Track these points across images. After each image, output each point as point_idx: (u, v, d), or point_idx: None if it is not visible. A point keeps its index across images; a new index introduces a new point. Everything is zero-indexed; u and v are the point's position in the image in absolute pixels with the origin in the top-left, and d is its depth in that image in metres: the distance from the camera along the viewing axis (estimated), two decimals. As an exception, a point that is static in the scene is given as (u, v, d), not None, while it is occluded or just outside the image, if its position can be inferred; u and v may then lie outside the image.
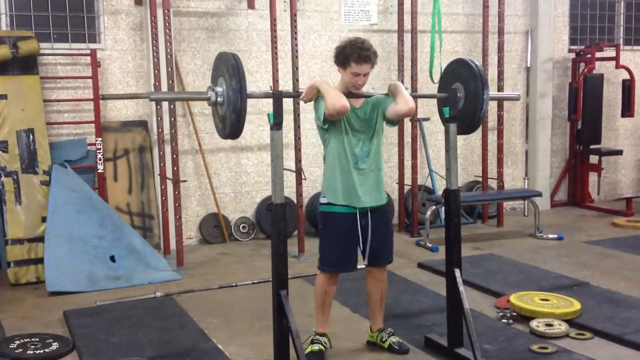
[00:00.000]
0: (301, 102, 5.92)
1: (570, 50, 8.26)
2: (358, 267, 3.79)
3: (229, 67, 3.04)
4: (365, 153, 3.61)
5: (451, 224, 3.72)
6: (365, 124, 3.62)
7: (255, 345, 3.97)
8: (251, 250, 6.38)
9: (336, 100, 3.37)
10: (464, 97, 3.69)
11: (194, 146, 6.55)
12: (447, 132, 3.71)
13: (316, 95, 3.54)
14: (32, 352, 3.86)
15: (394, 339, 3.85)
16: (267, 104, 6.72)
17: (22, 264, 5.34)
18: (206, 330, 4.21)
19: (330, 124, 3.56)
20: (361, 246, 3.68)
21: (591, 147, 8.05)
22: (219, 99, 3.11)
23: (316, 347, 3.72)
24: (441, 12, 6.85)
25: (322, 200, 3.71)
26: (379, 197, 3.70)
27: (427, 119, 7.26)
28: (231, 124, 3.08)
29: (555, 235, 6.65)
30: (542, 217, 6.99)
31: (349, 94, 3.51)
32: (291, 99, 5.86)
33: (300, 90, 5.79)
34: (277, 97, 3.20)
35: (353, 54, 3.49)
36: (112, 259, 5.40)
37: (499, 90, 7.19)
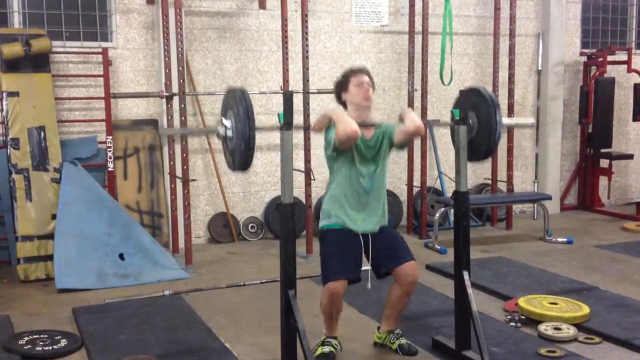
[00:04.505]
0: (312, 103, 5.97)
1: (581, 54, 8.23)
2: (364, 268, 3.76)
3: (236, 99, 3.06)
4: (371, 183, 3.65)
5: (460, 226, 3.71)
6: (375, 152, 3.67)
7: (263, 344, 3.98)
8: (259, 250, 6.39)
9: (347, 125, 3.38)
10: (477, 124, 3.65)
11: (204, 145, 6.57)
12: (456, 134, 3.70)
13: (327, 125, 3.57)
14: (40, 348, 3.88)
15: (402, 340, 3.84)
16: (277, 105, 6.70)
17: (32, 260, 5.36)
18: (214, 329, 4.22)
19: (339, 153, 3.59)
20: (369, 262, 3.68)
21: (602, 151, 8.02)
22: (228, 133, 3.12)
23: (327, 348, 3.72)
24: (452, 14, 6.82)
25: (322, 222, 3.73)
26: (382, 221, 3.74)
27: (437, 121, 7.24)
28: (240, 155, 3.07)
29: (565, 239, 6.62)
30: (552, 221, 6.96)
31: (360, 124, 3.51)
32: (301, 101, 5.87)
33: (310, 91, 5.90)
34: (287, 97, 3.20)
35: (348, 72, 3.74)
36: (121, 256, 5.41)
37: (509, 95, 7.18)
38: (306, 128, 5.88)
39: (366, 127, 3.62)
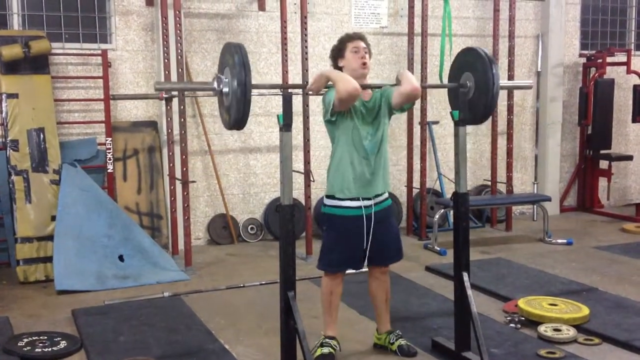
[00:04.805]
0: (311, 104, 5.96)
1: (581, 55, 8.23)
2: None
3: (232, 50, 3.00)
4: (373, 144, 3.63)
5: (460, 228, 3.71)
6: (374, 114, 3.64)
7: (262, 346, 3.97)
8: (259, 252, 6.39)
9: (348, 82, 3.35)
10: (474, 83, 3.63)
11: (203, 147, 6.56)
12: (456, 136, 3.70)
13: (324, 85, 3.52)
14: (40, 350, 3.87)
15: (401, 341, 3.84)
16: (277, 106, 6.70)
17: (32, 262, 5.36)
18: (213, 331, 4.22)
19: (339, 117, 3.57)
20: (364, 246, 3.68)
21: (601, 152, 8.02)
22: (224, 88, 3.09)
23: (326, 350, 3.72)
24: (452, 16, 6.80)
25: (327, 201, 3.72)
26: (385, 186, 3.74)
27: (437, 122, 7.25)
28: (236, 110, 2.98)
29: (565, 240, 6.62)
30: (551, 222, 6.96)
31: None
32: (301, 102, 5.87)
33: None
34: (286, 98, 3.19)
35: (344, 38, 3.70)
36: (121, 258, 5.42)
37: (508, 97, 7.18)
38: (306, 129, 5.89)
39: (365, 89, 3.59)
